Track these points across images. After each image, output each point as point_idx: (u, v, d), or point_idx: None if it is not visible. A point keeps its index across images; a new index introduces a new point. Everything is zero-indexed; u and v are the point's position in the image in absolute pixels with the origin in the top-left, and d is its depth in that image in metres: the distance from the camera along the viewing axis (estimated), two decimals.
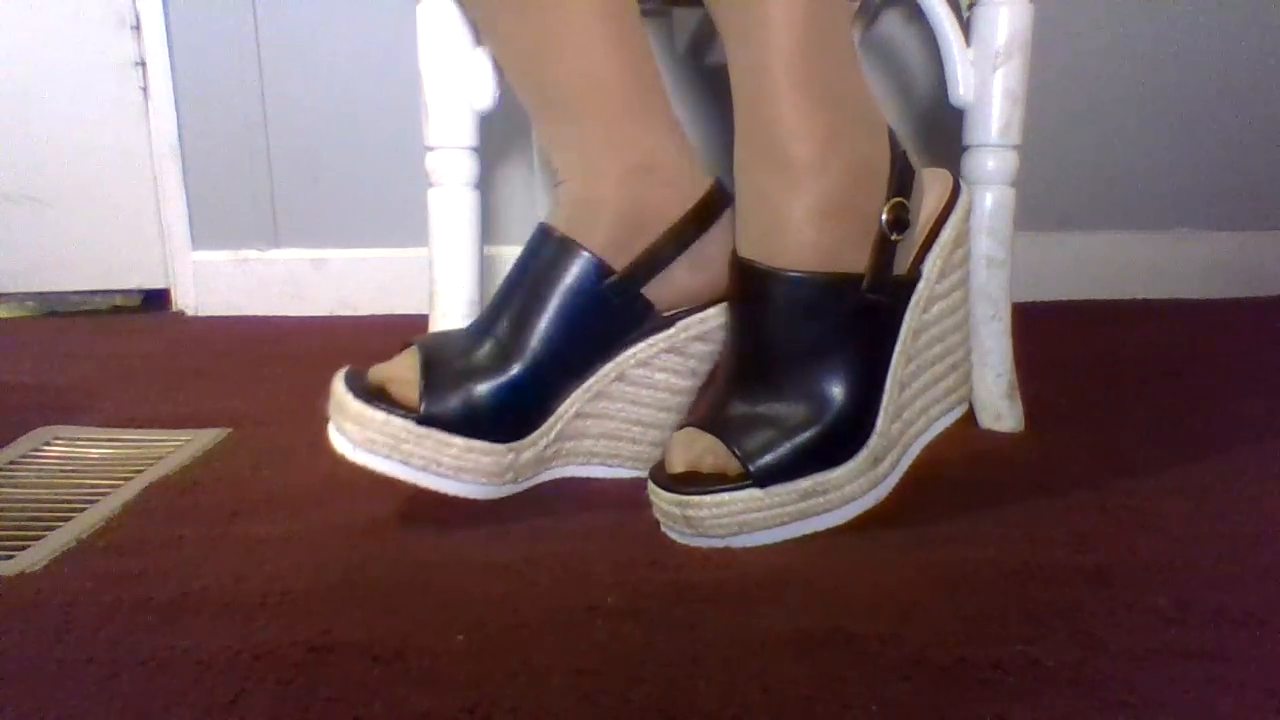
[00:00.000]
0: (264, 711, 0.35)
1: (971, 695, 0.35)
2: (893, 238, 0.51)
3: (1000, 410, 0.67)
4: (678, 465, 0.50)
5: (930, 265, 0.54)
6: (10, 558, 0.49)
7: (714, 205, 0.56)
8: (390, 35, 1.15)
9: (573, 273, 0.52)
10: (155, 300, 1.25)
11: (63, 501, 0.56)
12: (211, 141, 1.19)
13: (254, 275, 1.21)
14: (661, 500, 0.49)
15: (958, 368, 0.57)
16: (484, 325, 0.53)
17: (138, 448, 0.66)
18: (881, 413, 0.51)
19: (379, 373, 0.52)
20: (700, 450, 0.49)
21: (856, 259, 0.50)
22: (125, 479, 0.60)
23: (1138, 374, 0.84)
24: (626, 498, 0.54)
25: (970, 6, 0.65)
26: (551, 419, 0.53)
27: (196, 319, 1.19)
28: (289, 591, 0.44)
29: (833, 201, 0.50)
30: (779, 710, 0.35)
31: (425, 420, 0.50)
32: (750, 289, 0.51)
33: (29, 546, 0.50)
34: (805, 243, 0.50)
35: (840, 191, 0.50)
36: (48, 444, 0.67)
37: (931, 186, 0.56)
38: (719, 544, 0.48)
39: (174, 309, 1.23)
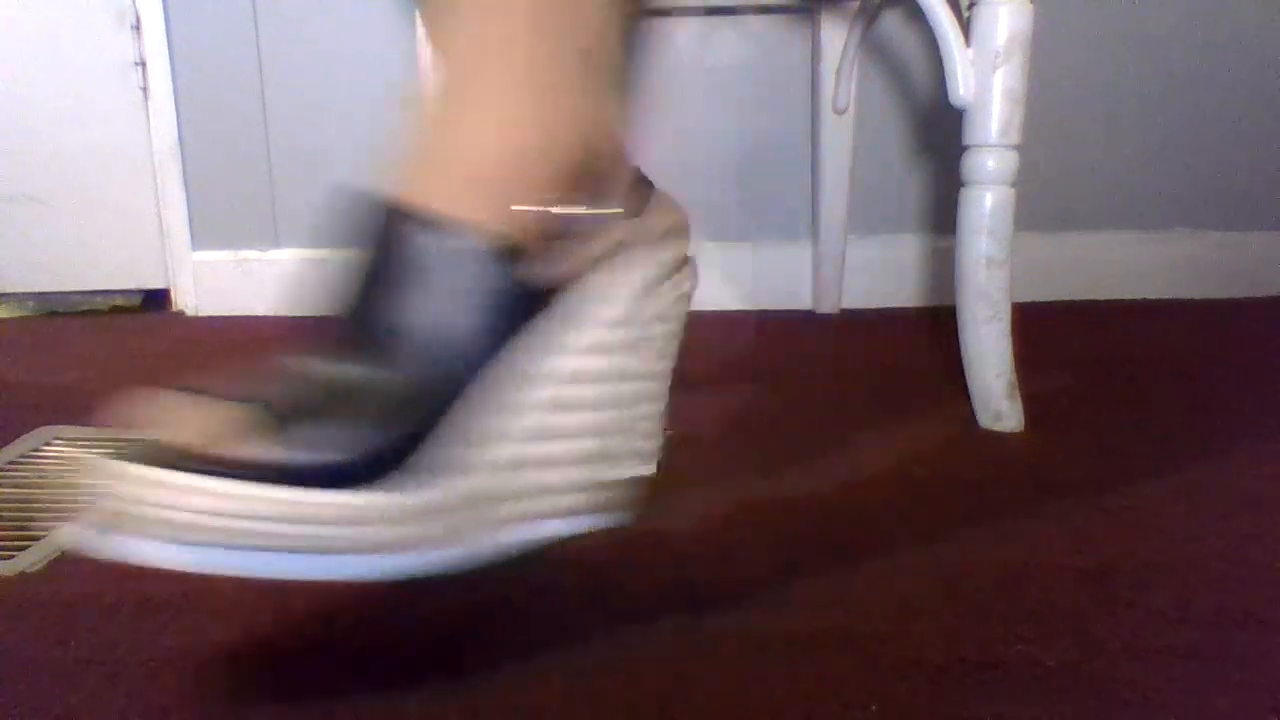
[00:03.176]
0: (264, 711, 0.35)
1: (971, 695, 0.35)
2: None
3: (1000, 410, 0.67)
4: (177, 434, 0.36)
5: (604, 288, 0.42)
6: (10, 558, 0.49)
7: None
8: (390, 35, 1.15)
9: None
10: (155, 300, 1.25)
11: (63, 501, 0.56)
12: (211, 141, 1.19)
13: (254, 275, 1.21)
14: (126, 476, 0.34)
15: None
16: None
17: None
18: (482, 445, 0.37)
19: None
20: (213, 419, 0.36)
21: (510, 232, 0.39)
22: None
23: (1138, 374, 0.84)
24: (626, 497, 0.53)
25: (970, 6, 0.65)
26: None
27: (196, 319, 1.19)
28: (289, 591, 0.44)
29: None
30: (779, 710, 0.35)
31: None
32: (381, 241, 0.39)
33: (29, 546, 0.50)
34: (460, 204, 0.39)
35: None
36: (48, 444, 0.67)
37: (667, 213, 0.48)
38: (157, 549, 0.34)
39: (174, 309, 1.23)
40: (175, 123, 1.17)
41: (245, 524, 0.33)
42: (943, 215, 1.21)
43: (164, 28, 1.15)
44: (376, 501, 0.35)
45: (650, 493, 0.51)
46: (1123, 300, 1.20)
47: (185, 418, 0.37)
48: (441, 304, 0.38)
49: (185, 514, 0.33)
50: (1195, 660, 0.38)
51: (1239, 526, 0.51)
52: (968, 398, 0.69)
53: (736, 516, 0.53)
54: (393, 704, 0.35)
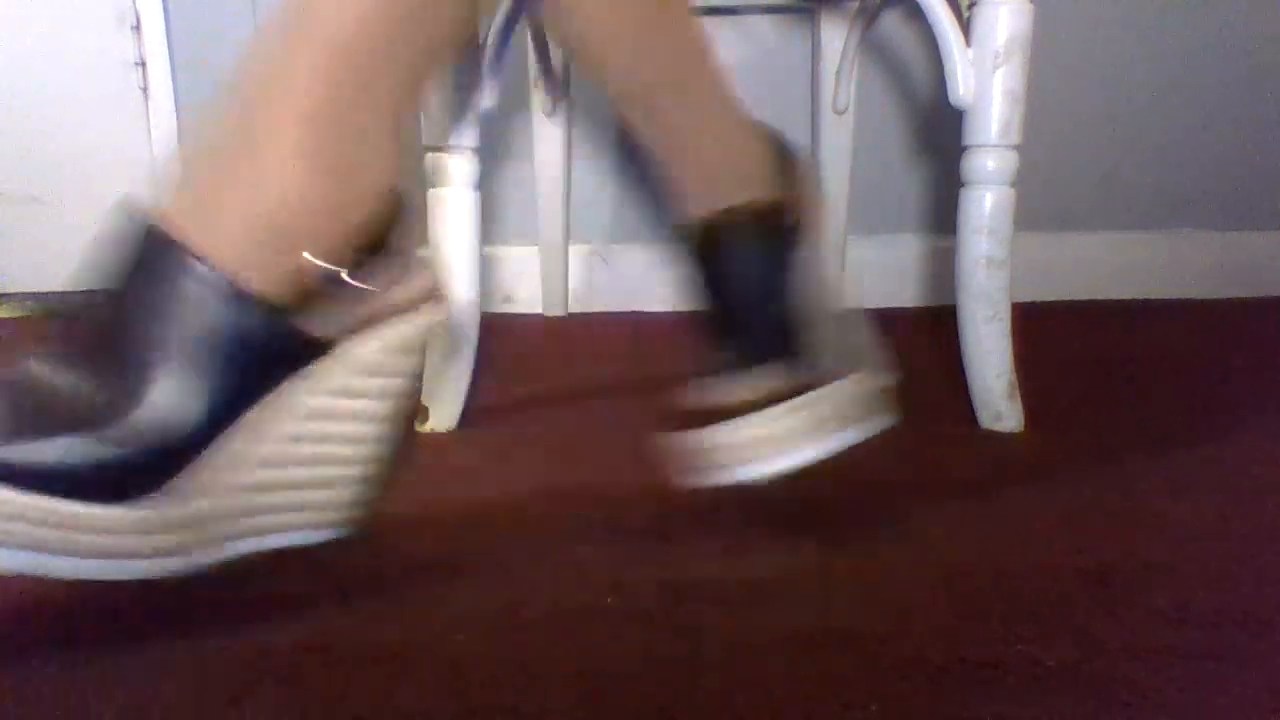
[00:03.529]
0: (264, 711, 0.35)
1: (971, 695, 0.35)
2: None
3: (1000, 410, 0.67)
4: None
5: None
6: None
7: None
8: None
9: None
10: None
11: None
12: None
13: None
14: None
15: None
16: None
17: None
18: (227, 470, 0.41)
19: None
20: None
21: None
22: None
23: (1138, 374, 0.84)
24: (624, 496, 0.54)
25: (970, 6, 0.65)
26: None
27: None
28: (289, 592, 0.44)
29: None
30: (779, 710, 0.35)
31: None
32: None
33: None
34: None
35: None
36: None
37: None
38: None
39: None
40: (175, 123, 1.17)
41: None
42: (943, 215, 1.21)
43: (164, 28, 1.15)
44: (96, 513, 0.38)
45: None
46: (1123, 300, 1.20)
47: None
48: (195, 345, 0.40)
49: None
50: (1195, 660, 0.38)
51: (1239, 526, 0.51)
52: (968, 398, 0.69)
53: (736, 516, 0.53)
54: (391, 705, 0.35)
